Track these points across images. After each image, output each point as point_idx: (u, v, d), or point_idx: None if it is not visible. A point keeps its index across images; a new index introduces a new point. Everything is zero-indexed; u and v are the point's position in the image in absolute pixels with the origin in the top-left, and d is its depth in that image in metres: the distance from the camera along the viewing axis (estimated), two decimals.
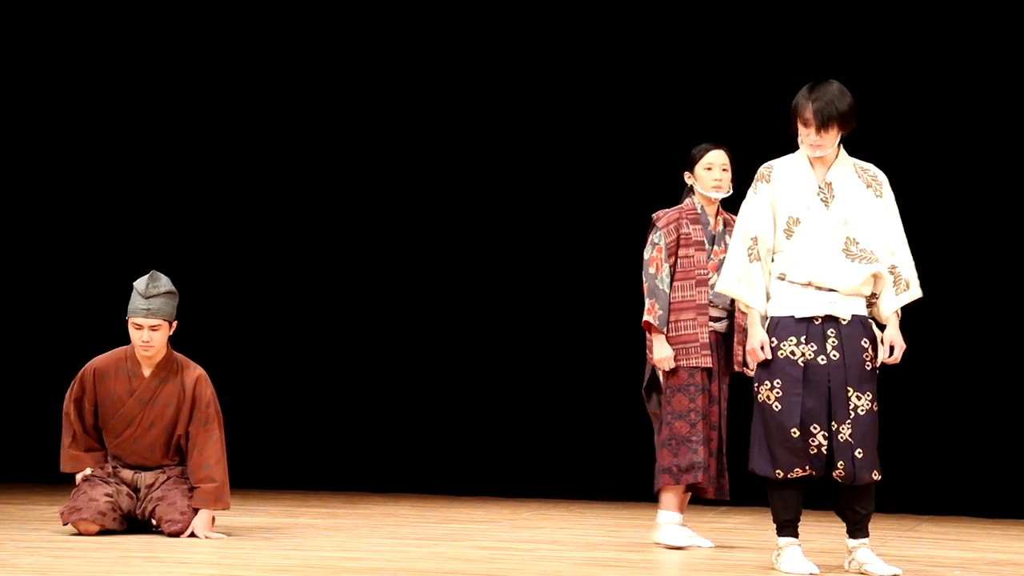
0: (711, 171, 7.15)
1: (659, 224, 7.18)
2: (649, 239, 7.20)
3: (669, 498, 7.14)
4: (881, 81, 10.35)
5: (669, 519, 7.11)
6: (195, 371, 7.19)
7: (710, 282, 7.05)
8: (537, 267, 11.28)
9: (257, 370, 11.45)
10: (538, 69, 11.30)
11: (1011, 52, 10.34)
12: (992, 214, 10.41)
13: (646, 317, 7.10)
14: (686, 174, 7.24)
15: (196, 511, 7.00)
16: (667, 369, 7.10)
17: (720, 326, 7.13)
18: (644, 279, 7.15)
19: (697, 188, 7.18)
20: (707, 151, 7.18)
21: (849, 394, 5.84)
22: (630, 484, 11.04)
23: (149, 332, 7.00)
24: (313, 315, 11.56)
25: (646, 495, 10.93)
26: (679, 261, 7.13)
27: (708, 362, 7.06)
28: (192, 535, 6.92)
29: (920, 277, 6.09)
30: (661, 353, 7.09)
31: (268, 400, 11.45)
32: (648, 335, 7.17)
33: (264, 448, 11.26)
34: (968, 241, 10.39)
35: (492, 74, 11.37)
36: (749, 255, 5.97)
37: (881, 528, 8.79)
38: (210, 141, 11.65)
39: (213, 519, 7.07)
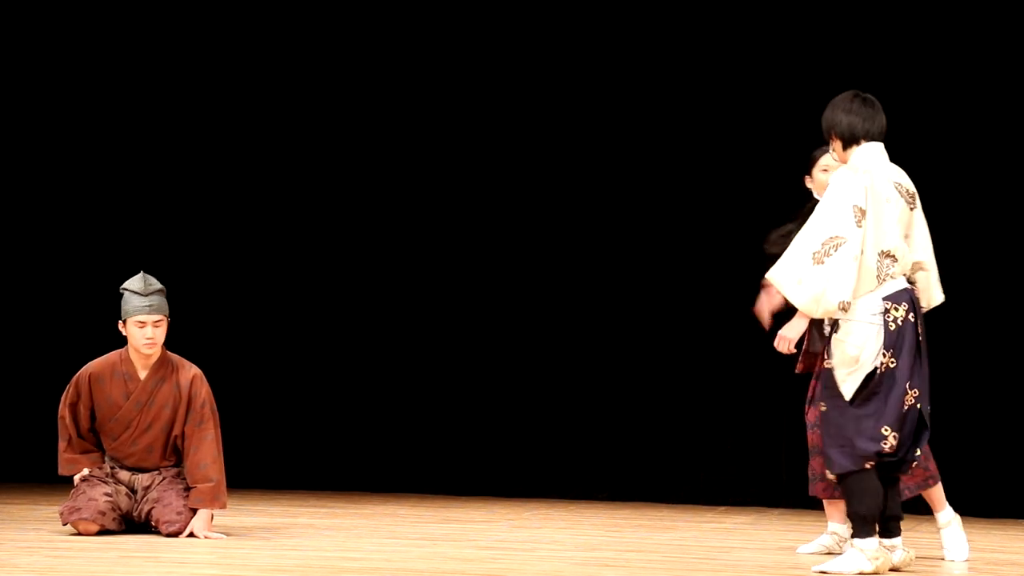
0: (827, 173, 6.80)
1: None
2: None
3: None
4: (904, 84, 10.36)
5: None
6: (191, 371, 7.19)
7: None
8: (538, 267, 11.27)
9: (257, 370, 11.43)
10: (545, 69, 11.25)
11: (1012, 54, 10.35)
12: (988, 214, 10.40)
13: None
14: (806, 178, 7.01)
15: (193, 511, 7.00)
16: None
17: None
18: None
19: (814, 193, 6.93)
20: (825, 152, 6.84)
21: None
22: (629, 484, 11.04)
23: (153, 328, 7.02)
24: (312, 314, 11.55)
25: (645, 495, 10.97)
26: None
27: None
28: (191, 535, 6.92)
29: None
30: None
31: (267, 400, 11.44)
32: None
33: (263, 448, 11.24)
34: (969, 242, 10.37)
35: (497, 74, 11.35)
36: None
37: None
38: (206, 140, 11.64)
39: (211, 518, 7.07)
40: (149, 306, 7.01)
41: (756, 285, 10.84)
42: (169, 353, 7.20)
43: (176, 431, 7.14)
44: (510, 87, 11.34)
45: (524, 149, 11.34)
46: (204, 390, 7.16)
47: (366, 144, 11.56)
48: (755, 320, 10.90)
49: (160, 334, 7.06)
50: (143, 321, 7.02)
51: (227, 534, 7.07)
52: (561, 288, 11.24)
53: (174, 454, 7.21)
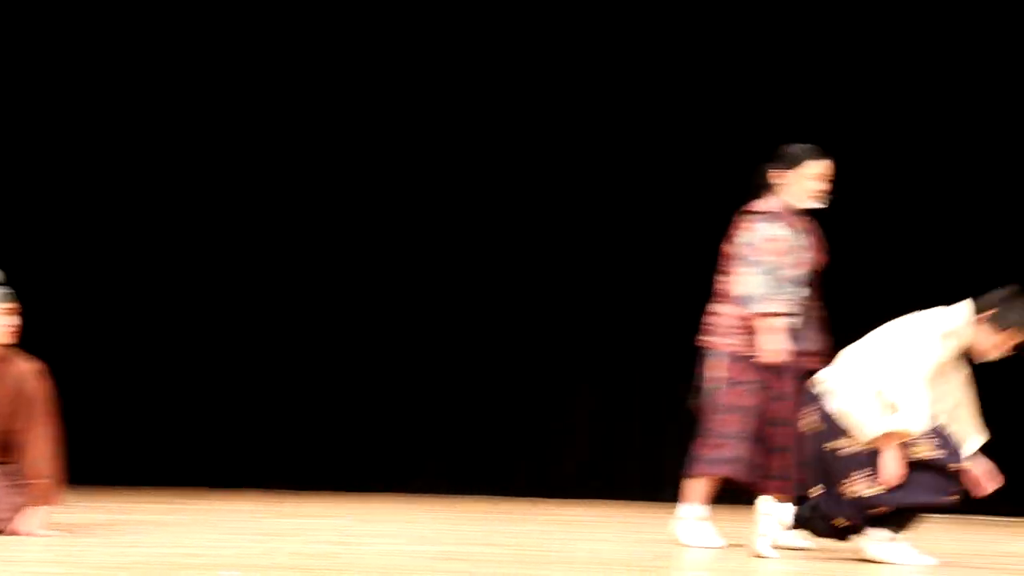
0: (817, 182, 7.00)
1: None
2: None
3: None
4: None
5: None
6: (30, 365, 7.07)
7: None
8: (405, 265, 11.29)
9: (99, 363, 11.30)
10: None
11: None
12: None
13: None
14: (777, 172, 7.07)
15: (27, 508, 6.88)
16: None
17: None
18: None
19: (787, 195, 7.03)
20: (816, 158, 7.01)
21: None
22: (472, 477, 11.08)
23: (14, 316, 6.96)
24: (156, 310, 11.43)
25: (488, 488, 11.00)
26: None
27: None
28: (25, 533, 6.80)
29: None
30: None
31: (109, 395, 11.31)
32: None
33: (104, 443, 11.10)
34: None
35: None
36: None
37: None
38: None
39: (47, 515, 6.95)
40: (10, 293, 6.94)
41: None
42: (7, 348, 7.07)
43: (12, 426, 7.02)
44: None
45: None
46: (42, 385, 7.05)
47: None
48: (592, 313, 11.06)
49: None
50: (11, 308, 6.94)
51: (64, 531, 6.95)
52: (407, 287, 11.27)
53: (11, 451, 7.08)
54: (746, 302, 6.88)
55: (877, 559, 6.23)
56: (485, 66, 11.37)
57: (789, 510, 6.37)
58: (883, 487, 6.07)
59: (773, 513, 6.32)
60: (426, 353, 11.25)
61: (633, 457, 11.02)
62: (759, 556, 6.31)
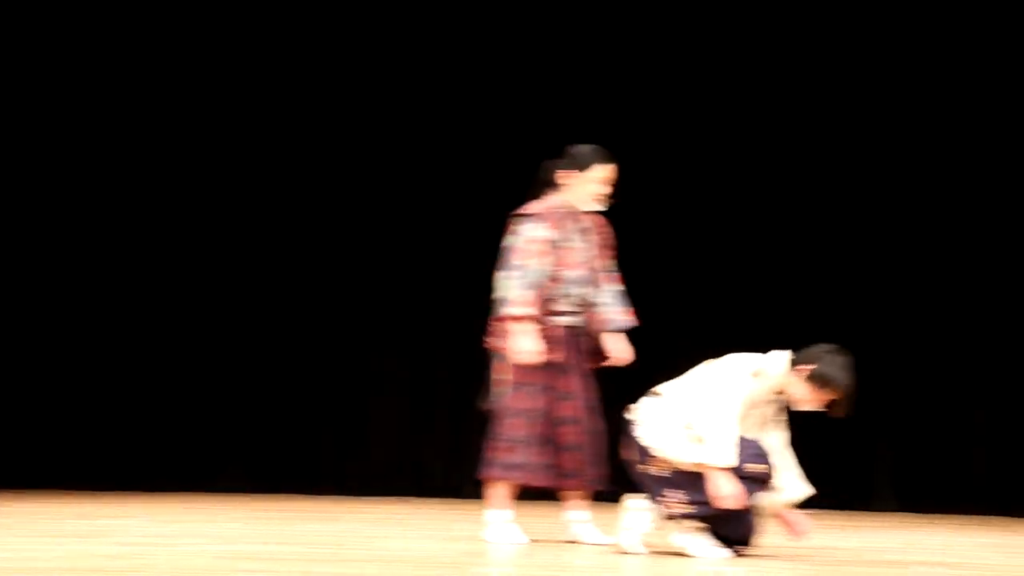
0: (602, 185, 6.98)
1: None
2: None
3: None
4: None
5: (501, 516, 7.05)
6: None
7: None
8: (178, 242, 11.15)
9: None
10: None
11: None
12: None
13: None
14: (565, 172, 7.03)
15: None
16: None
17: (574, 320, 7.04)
18: None
19: (568, 194, 7.02)
20: (602, 164, 6.99)
21: None
22: (274, 474, 11.01)
23: None
24: None
25: (289, 486, 10.92)
26: None
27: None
28: None
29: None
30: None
31: None
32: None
33: None
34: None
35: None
36: None
37: None
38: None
39: None
40: None
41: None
42: None
43: None
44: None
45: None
46: None
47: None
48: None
49: None
50: None
51: None
52: (203, 280, 11.19)
53: None
54: (501, 304, 6.93)
55: (680, 550, 6.32)
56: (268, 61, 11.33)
57: (652, 508, 6.43)
58: (694, 506, 6.22)
59: (641, 509, 6.39)
60: (228, 350, 11.14)
61: (439, 455, 11.02)
62: (624, 552, 6.38)
